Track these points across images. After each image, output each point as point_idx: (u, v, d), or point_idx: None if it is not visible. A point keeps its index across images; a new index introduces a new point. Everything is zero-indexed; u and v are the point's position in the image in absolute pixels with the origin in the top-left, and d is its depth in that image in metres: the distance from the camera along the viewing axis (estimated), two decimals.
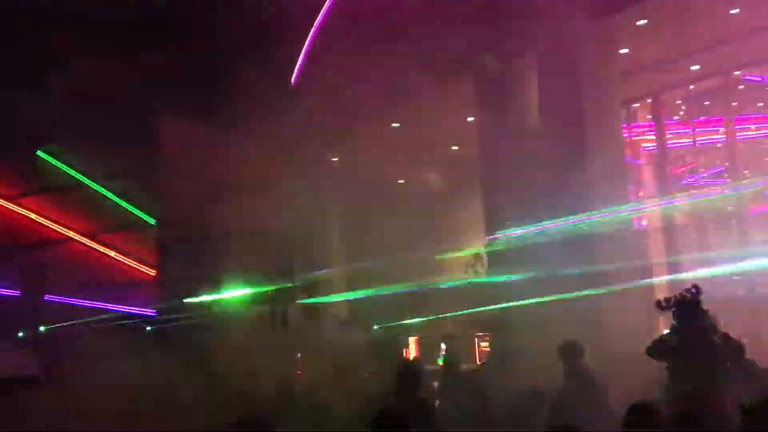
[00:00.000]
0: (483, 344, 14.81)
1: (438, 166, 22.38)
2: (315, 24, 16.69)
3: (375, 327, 15.96)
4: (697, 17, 12.91)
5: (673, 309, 5.46)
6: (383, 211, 20.41)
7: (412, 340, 17.61)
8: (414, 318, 16.36)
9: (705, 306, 5.57)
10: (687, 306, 5.40)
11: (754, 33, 13.54)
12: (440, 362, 9.75)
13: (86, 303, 19.19)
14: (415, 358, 15.48)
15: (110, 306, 19.24)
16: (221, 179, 20.68)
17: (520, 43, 13.23)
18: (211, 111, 18.48)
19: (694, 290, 5.49)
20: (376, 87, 15.07)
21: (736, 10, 12.81)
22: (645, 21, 13.01)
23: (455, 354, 9.34)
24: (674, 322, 5.52)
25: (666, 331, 5.60)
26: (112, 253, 20.44)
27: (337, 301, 19.55)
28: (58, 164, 21.45)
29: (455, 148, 20.91)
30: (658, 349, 5.51)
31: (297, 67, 17.53)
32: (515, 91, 13.58)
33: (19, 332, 12.47)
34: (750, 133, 16.60)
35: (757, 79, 15.77)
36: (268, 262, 17.75)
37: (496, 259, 12.94)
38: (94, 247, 20.69)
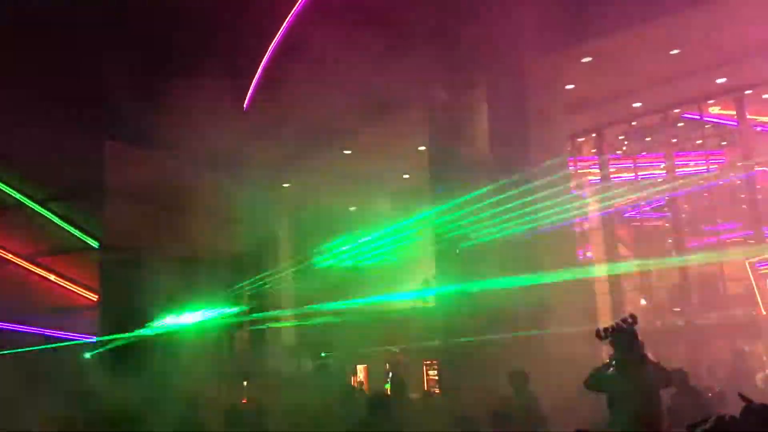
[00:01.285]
0: (431, 372, 14.86)
1: (389, 194, 22.54)
2: (268, 50, 16.74)
3: (323, 354, 15.82)
4: (640, 56, 13.42)
5: (609, 338, 5.53)
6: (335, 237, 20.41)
7: (360, 368, 17.53)
8: (363, 346, 16.28)
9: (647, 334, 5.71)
10: (623, 335, 5.49)
11: (693, 72, 14.15)
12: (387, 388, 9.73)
13: (24, 328, 18.49)
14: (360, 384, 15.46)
15: (48, 331, 18.58)
16: (167, 202, 20.36)
17: (470, 76, 13.50)
18: (156, 132, 18.23)
19: (630, 319, 5.58)
20: (328, 114, 15.16)
21: (677, 51, 13.37)
22: (590, 58, 13.46)
23: (401, 381, 9.35)
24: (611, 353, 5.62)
25: (601, 364, 5.67)
26: (52, 277, 19.80)
27: (286, 328, 19.36)
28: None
29: (406, 176, 21.10)
30: (594, 380, 5.59)
31: (249, 92, 17.49)
32: (466, 122, 13.81)
33: None
34: (689, 168, 17.22)
35: (696, 116, 16.43)
36: (215, 287, 17.48)
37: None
38: (34, 270, 20.01)
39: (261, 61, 17.09)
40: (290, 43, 16.14)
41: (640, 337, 5.49)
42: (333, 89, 15.00)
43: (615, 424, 4.84)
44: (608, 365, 5.59)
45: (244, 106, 18.37)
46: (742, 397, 3.37)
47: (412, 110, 15.09)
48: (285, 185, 20.38)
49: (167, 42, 15.35)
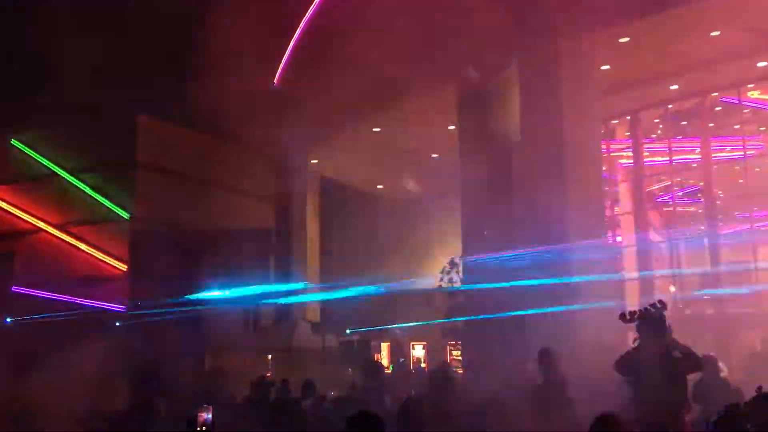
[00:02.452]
0: (455, 353, 14.86)
1: (418, 174, 22.48)
2: (299, 28, 16.67)
3: (347, 331, 15.91)
4: (679, 38, 13.10)
5: (636, 323, 5.46)
6: (361, 216, 20.45)
7: (384, 346, 17.62)
8: (386, 324, 16.36)
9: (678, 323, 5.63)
10: (650, 321, 5.40)
11: (732, 56, 13.78)
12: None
13: (54, 296, 18.86)
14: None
15: (78, 300, 18.93)
16: (198, 177, 20.54)
17: (502, 55, 13.32)
18: (189, 109, 18.35)
19: (658, 305, 5.49)
20: (360, 91, 15.11)
21: (717, 33, 13.02)
22: (627, 39, 13.16)
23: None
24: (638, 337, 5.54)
25: (631, 348, 5.61)
26: (83, 246, 20.12)
27: (311, 305, 19.48)
28: (32, 154, 21.10)
29: (435, 156, 20.99)
30: (624, 364, 5.54)
31: (280, 67, 17.46)
32: (497, 102, 13.65)
33: None
34: (725, 154, 16.86)
35: (734, 101, 16.03)
36: (243, 262, 17.63)
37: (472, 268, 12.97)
38: (65, 239, 20.35)
39: (292, 37, 17.03)
40: (321, 19, 16.05)
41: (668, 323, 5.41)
42: (363, 67, 14.92)
43: (640, 409, 4.80)
44: (637, 349, 5.53)
45: (275, 81, 18.36)
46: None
47: (443, 89, 14.95)
48: (313, 161, 20.40)
49: (199, 19, 15.34)
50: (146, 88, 17.45)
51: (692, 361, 5.41)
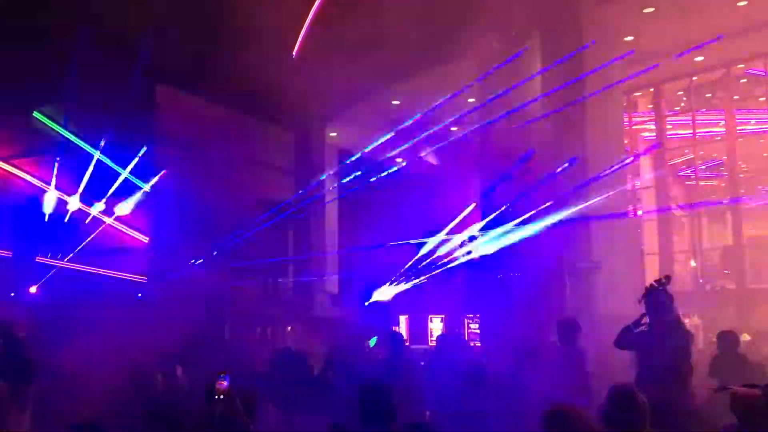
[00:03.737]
0: (473, 326, 14.90)
1: (437, 147, 22.36)
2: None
3: (366, 303, 15.99)
4: (705, 7, 12.84)
5: (642, 298, 5.44)
6: (379, 189, 20.42)
7: (402, 318, 17.71)
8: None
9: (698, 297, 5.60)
10: (656, 296, 5.37)
11: (760, 26, 13.49)
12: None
13: (77, 267, 19.14)
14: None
15: (101, 271, 19.20)
16: (218, 151, 20.61)
17: (524, 25, 13.14)
18: (209, 81, 18.36)
19: (663, 280, 5.45)
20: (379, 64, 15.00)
21: (744, 3, 12.74)
22: (652, 9, 12.92)
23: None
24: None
25: (631, 322, 5.57)
26: (105, 218, 20.34)
27: (330, 278, 19.59)
28: (55, 126, 21.28)
29: (454, 129, 20.85)
30: (625, 339, 5.51)
31: (299, 38, 17.35)
32: (517, 74, 13.48)
33: (11, 292, 12.44)
34: (750, 127, 16.58)
35: (760, 72, 15.72)
36: (263, 236, 17.73)
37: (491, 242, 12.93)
38: (86, 210, 20.57)
39: (311, 8, 16.90)
40: None
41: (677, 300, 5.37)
42: (382, 39, 14.80)
43: (642, 385, 4.79)
44: (637, 323, 5.49)
45: (294, 53, 18.28)
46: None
47: (463, 61, 14.80)
48: (332, 134, 20.36)
49: None
50: (166, 58, 17.44)
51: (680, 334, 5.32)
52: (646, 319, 5.50)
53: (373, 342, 13.37)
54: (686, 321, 5.65)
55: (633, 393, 3.63)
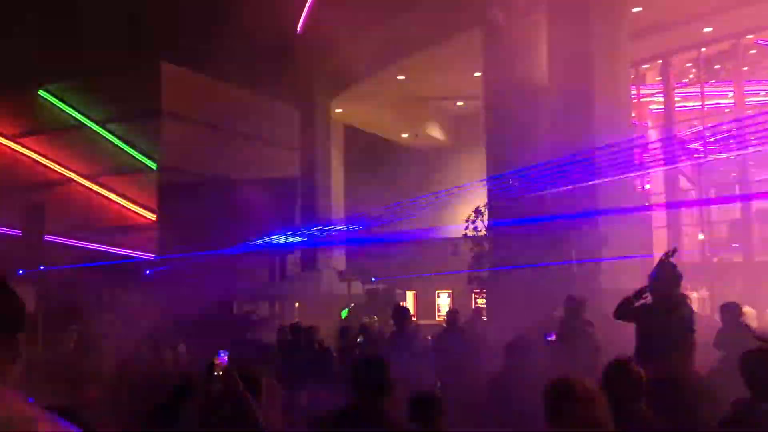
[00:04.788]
0: (480, 301, 14.91)
1: (443, 122, 22.26)
2: None
3: (373, 279, 16.04)
4: None
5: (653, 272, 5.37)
6: (386, 164, 20.38)
7: (410, 294, 17.77)
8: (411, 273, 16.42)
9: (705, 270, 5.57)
10: (661, 266, 5.32)
11: None
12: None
13: (85, 244, 19.25)
14: None
15: (109, 248, 19.31)
16: (223, 127, 20.57)
17: None
18: (213, 58, 18.26)
19: (670, 252, 5.40)
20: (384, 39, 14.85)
21: None
22: None
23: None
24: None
25: (632, 293, 5.51)
26: (112, 196, 20.41)
27: (336, 254, 19.63)
28: (60, 104, 21.27)
29: (460, 104, 20.74)
30: (625, 310, 5.45)
31: (303, 14, 17.24)
32: (525, 46, 13.34)
33: (19, 270, 12.54)
34: (759, 98, 16.37)
35: None
36: (268, 212, 17.76)
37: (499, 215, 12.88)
38: (94, 189, 20.65)
39: None
40: None
41: (682, 273, 5.30)
42: (386, 13, 14.65)
43: (642, 358, 4.76)
44: (638, 295, 5.42)
45: (298, 29, 18.16)
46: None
47: (469, 34, 14.65)
48: (338, 111, 20.27)
49: None
50: (172, 36, 17.40)
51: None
52: (647, 295, 5.44)
53: (344, 314, 13.45)
54: (694, 294, 5.61)
55: (627, 364, 3.61)
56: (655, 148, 13.03)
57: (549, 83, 12.71)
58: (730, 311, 6.91)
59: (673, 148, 14.48)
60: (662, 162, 12.78)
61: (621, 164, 11.48)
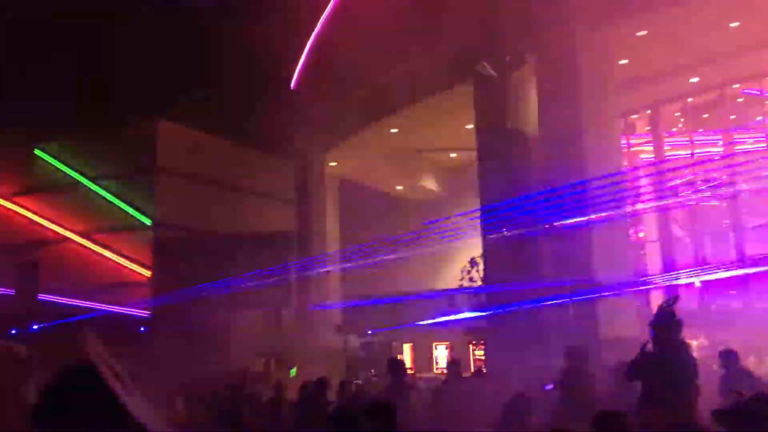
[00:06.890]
0: (477, 353, 14.79)
1: (437, 173, 22.43)
2: (315, 30, 16.73)
3: (369, 332, 15.90)
4: (697, 29, 12.94)
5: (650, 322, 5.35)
6: (381, 217, 20.42)
7: (407, 347, 17.58)
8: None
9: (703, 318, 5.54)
10: (662, 315, 5.30)
11: (754, 46, 13.58)
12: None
13: (80, 303, 19.08)
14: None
15: (104, 306, 19.13)
16: (218, 182, 20.68)
17: (519, 51, 13.25)
18: (207, 113, 18.48)
19: (671, 300, 5.40)
20: (376, 93, 15.07)
21: (736, 24, 12.85)
22: (645, 32, 13.04)
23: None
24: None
25: (639, 352, 5.45)
26: (107, 254, 20.34)
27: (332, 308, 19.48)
28: (56, 163, 21.39)
29: (453, 155, 20.94)
30: (635, 371, 5.38)
31: (297, 70, 17.53)
32: (514, 99, 13.58)
33: (11, 329, 12.40)
34: (747, 146, 16.59)
35: (756, 92, 15.79)
36: (264, 266, 17.68)
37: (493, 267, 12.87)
38: (90, 247, 20.59)
39: (307, 42, 17.10)
40: (334, 24, 16.11)
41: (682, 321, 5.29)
42: (378, 67, 14.92)
43: (646, 407, 4.70)
44: (643, 350, 5.38)
45: (292, 85, 18.45)
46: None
47: (460, 88, 14.91)
48: (332, 164, 20.44)
49: (216, 24, 15.49)
50: (166, 94, 17.62)
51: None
52: (650, 345, 5.41)
53: (293, 373, 13.18)
54: (693, 343, 5.58)
55: (614, 416, 3.60)
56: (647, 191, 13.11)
57: (540, 134, 12.89)
58: (729, 358, 6.90)
59: (664, 192, 14.67)
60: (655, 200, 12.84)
61: (614, 202, 11.58)
